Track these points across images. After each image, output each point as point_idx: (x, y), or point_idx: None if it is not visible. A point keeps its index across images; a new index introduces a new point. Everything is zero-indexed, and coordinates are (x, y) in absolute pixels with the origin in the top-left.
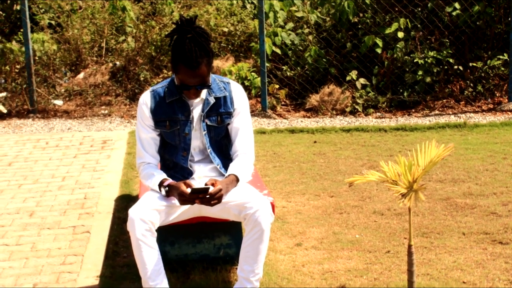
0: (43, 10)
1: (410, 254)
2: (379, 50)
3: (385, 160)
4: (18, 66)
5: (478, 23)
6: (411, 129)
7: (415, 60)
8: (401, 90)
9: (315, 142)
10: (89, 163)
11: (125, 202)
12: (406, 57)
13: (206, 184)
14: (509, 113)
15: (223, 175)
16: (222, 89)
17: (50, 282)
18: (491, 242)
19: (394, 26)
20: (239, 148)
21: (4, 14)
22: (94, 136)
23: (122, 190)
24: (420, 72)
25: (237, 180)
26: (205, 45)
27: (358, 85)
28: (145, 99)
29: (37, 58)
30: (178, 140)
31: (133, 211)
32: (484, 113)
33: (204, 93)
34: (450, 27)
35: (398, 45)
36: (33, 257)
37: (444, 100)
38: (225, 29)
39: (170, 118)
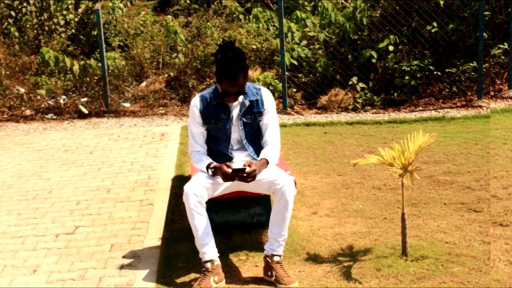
0: (114, 34)
1: (403, 220)
2: (374, 60)
3: (382, 147)
4: (95, 78)
5: (452, 38)
6: (400, 122)
7: (402, 68)
8: (392, 91)
9: (325, 133)
10: (151, 151)
11: (179, 180)
12: (396, 65)
13: (243, 166)
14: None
15: (256, 159)
16: (255, 94)
17: (124, 243)
18: (467, 210)
19: (386, 41)
20: (268, 139)
21: (84, 38)
22: (154, 130)
23: (176, 172)
24: (406, 77)
25: (267, 163)
26: (242, 62)
27: (358, 88)
28: (196, 102)
29: (110, 71)
30: (221, 134)
31: (187, 187)
32: (458, 108)
33: (241, 97)
34: (430, 41)
35: (389, 56)
36: (110, 223)
37: (426, 99)
38: (254, 46)
39: (215, 117)
